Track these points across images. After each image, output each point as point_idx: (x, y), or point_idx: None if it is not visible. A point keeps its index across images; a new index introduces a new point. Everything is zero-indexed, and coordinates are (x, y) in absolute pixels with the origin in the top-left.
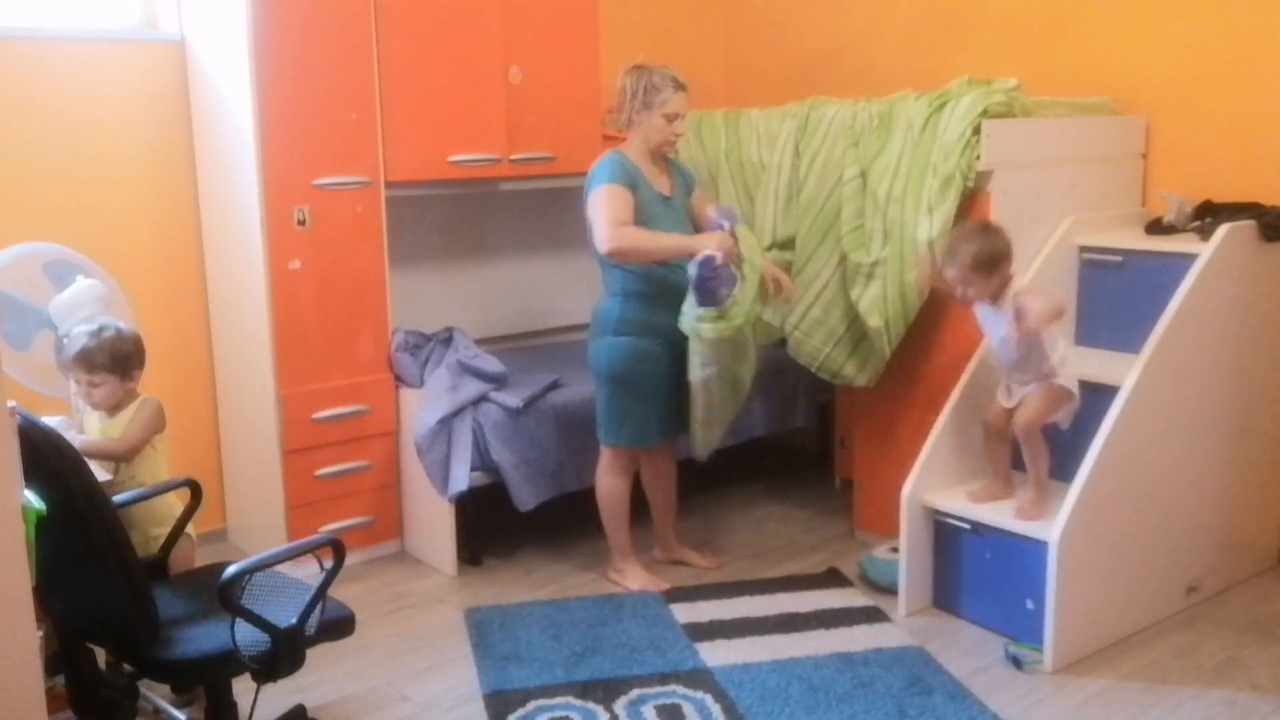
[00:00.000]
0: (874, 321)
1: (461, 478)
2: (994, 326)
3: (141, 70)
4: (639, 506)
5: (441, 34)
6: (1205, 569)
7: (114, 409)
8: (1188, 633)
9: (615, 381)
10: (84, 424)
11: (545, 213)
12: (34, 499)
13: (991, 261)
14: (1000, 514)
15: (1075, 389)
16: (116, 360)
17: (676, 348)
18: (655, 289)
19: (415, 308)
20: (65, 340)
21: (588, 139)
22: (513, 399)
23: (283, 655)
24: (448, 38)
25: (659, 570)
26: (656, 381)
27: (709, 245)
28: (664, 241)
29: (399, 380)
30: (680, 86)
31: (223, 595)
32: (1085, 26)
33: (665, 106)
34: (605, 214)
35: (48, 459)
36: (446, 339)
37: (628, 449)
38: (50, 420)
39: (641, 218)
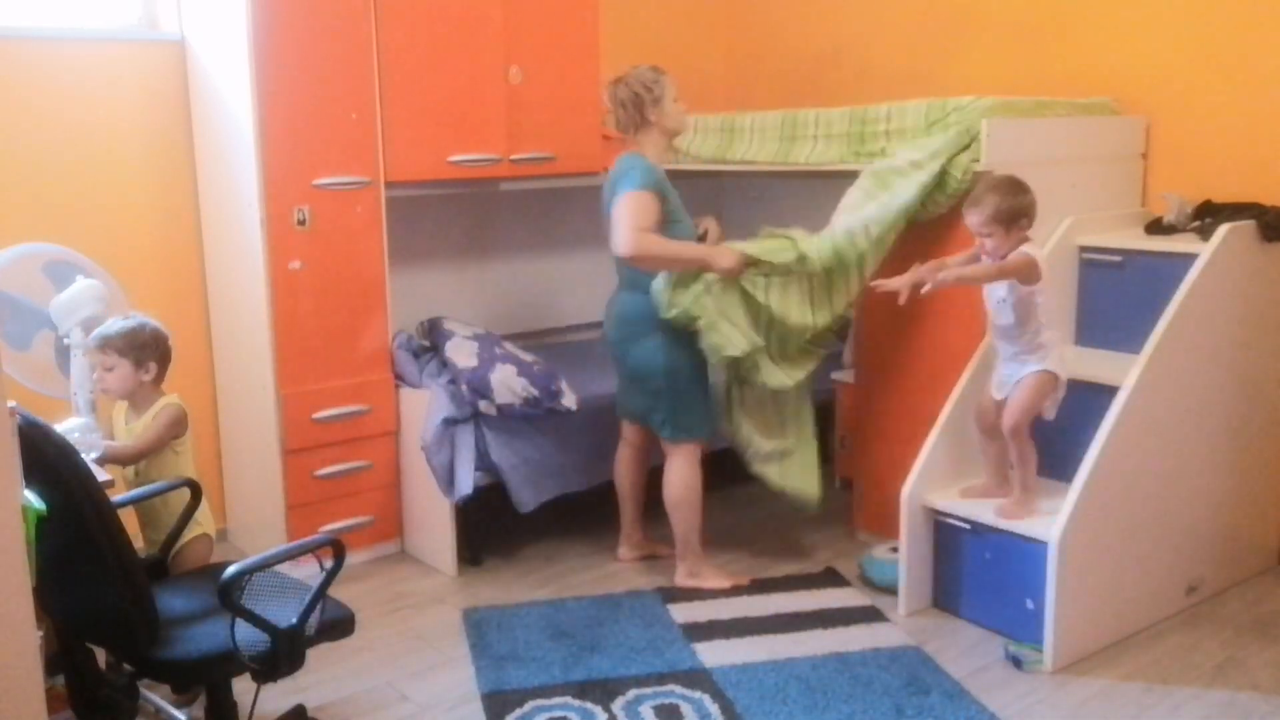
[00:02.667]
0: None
1: (466, 481)
2: (994, 286)
3: (141, 70)
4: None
5: (441, 34)
6: (1205, 569)
7: (137, 406)
8: (1188, 633)
9: (684, 374)
10: (112, 421)
11: (545, 213)
12: (34, 499)
13: (1014, 216)
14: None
15: (1063, 374)
16: (131, 345)
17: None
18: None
19: (415, 308)
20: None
21: (588, 139)
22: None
23: (283, 655)
24: (448, 38)
25: (641, 567)
26: (706, 372)
27: (725, 261)
28: (684, 253)
29: (399, 380)
30: (664, 71)
31: (223, 595)
32: (1085, 26)
33: (672, 89)
34: (631, 218)
35: (48, 459)
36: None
37: (701, 441)
38: (72, 422)
39: (671, 224)
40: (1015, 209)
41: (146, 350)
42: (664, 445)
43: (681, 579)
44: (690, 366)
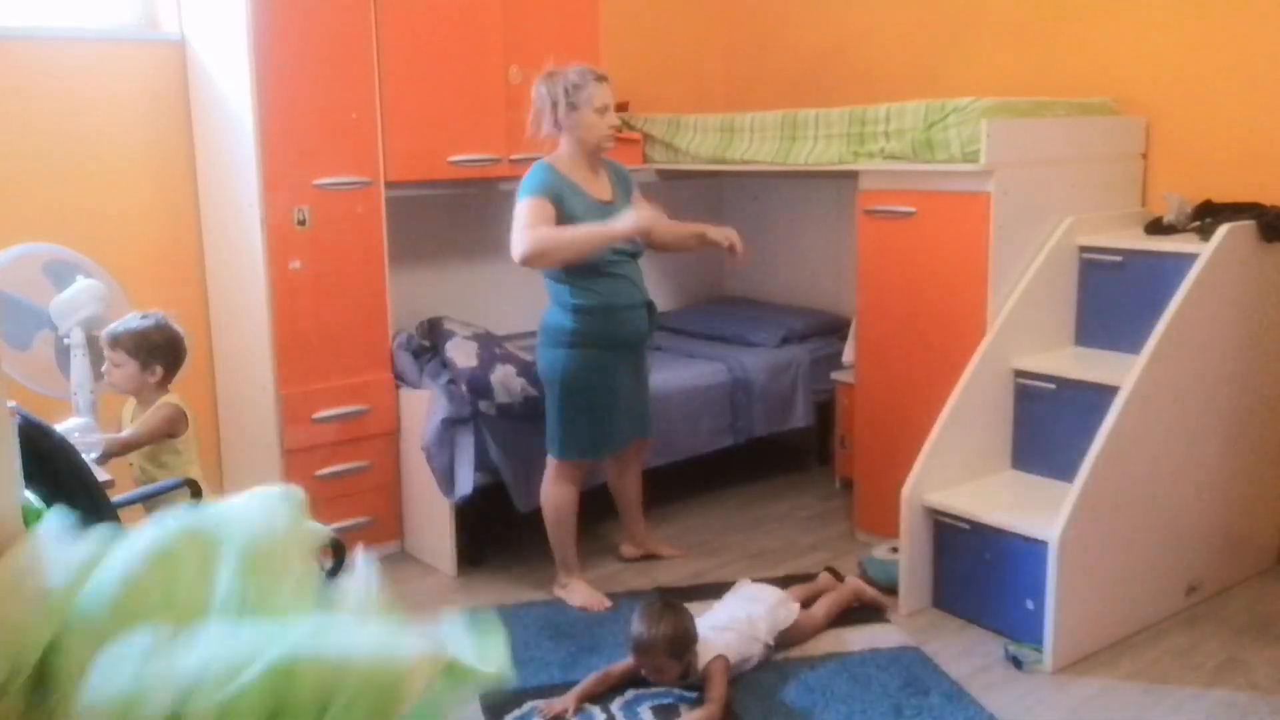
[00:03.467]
0: None
1: (466, 481)
2: None
3: (141, 70)
4: (604, 510)
5: (441, 34)
6: (1205, 569)
7: (144, 404)
8: (1188, 633)
9: (567, 393)
10: (121, 415)
11: None
12: (34, 499)
13: (684, 643)
14: (1000, 514)
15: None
16: (139, 346)
17: (633, 354)
18: (604, 299)
19: (415, 308)
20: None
21: None
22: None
23: None
24: (448, 38)
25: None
26: (613, 391)
27: (625, 223)
28: (578, 234)
29: (399, 380)
30: (601, 78)
31: None
32: (1085, 26)
33: (593, 101)
34: (519, 223)
35: (49, 460)
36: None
37: (576, 461)
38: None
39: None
40: (682, 635)
41: (155, 353)
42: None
43: (554, 589)
44: (588, 386)
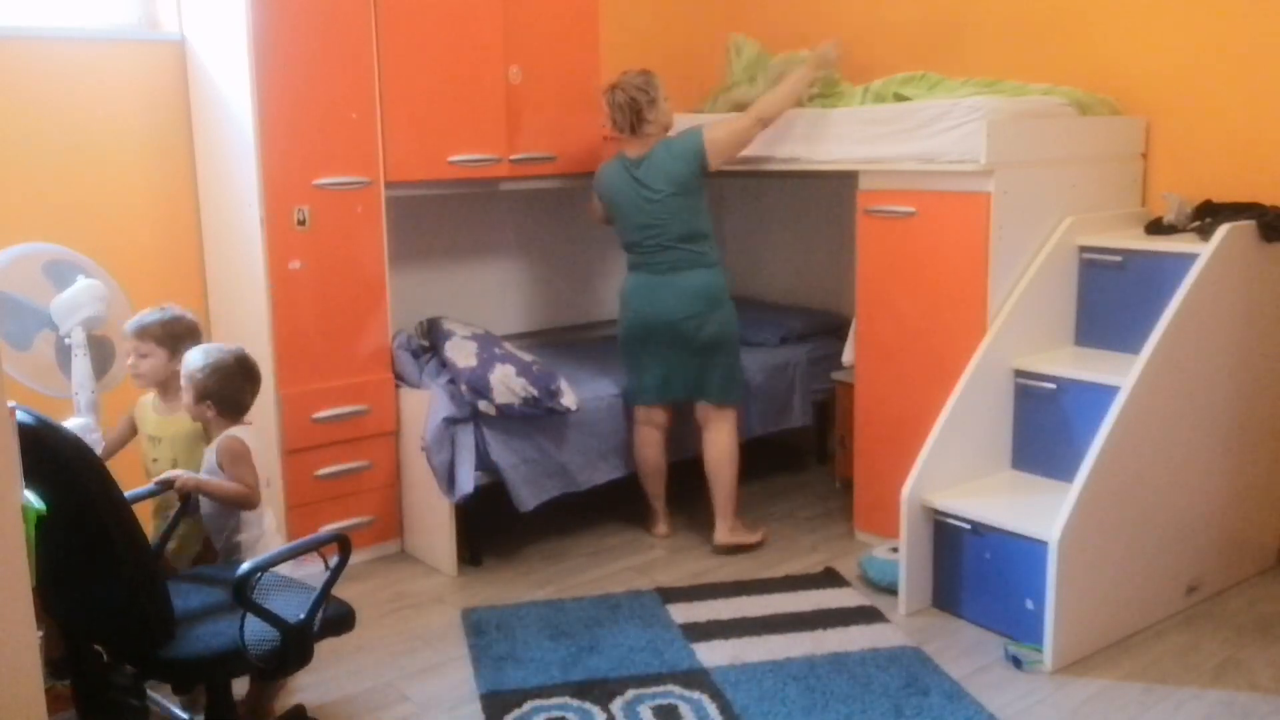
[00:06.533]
0: None
1: (466, 481)
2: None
3: (141, 70)
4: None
5: (441, 34)
6: (1205, 569)
7: (167, 395)
8: (1188, 633)
9: (737, 343)
10: (143, 417)
11: (545, 213)
12: (34, 499)
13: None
14: (1000, 514)
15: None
16: (168, 335)
17: None
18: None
19: (415, 308)
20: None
21: (588, 139)
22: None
23: (292, 651)
24: (448, 38)
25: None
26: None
27: (811, 62)
28: (786, 88)
29: (399, 380)
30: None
31: (238, 592)
32: (1085, 26)
33: (663, 89)
34: (727, 124)
35: (65, 461)
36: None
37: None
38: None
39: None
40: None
41: (182, 341)
42: (711, 413)
43: (725, 536)
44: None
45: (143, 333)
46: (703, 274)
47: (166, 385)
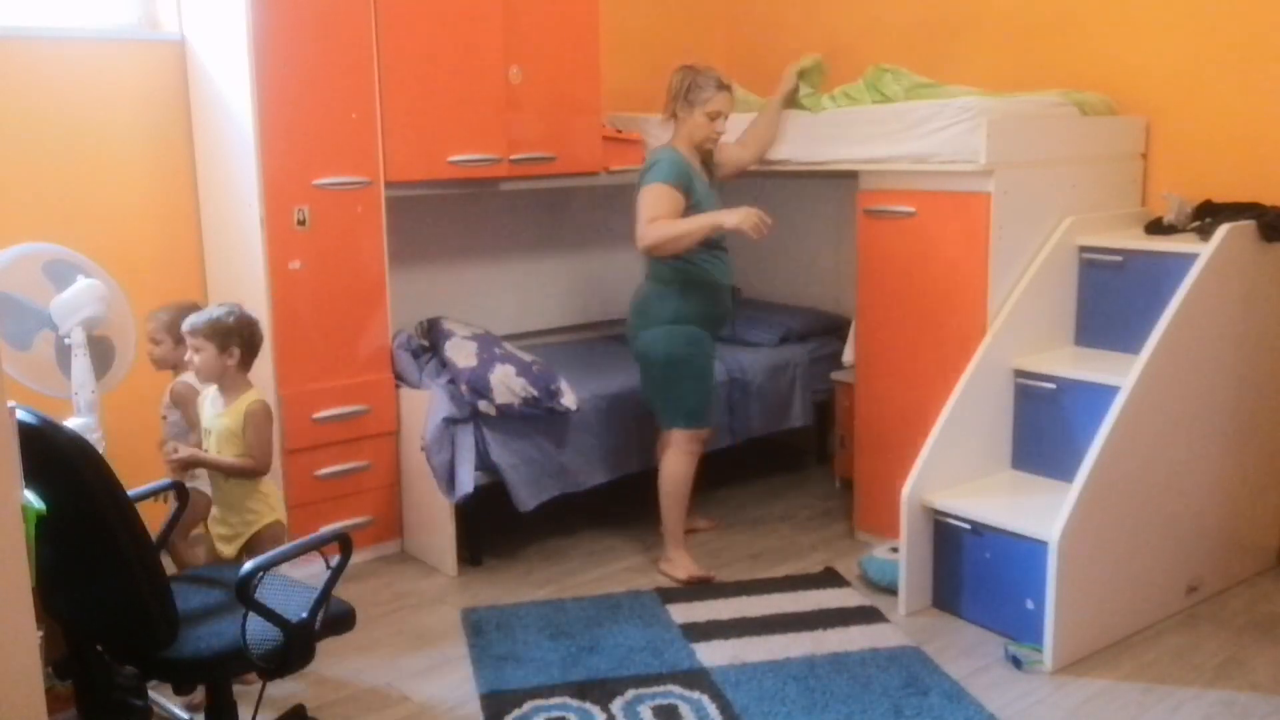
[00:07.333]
0: None
1: (466, 480)
2: None
3: (141, 70)
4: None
5: (441, 34)
6: (1205, 569)
7: (225, 390)
8: (1188, 633)
9: (673, 365)
10: (201, 410)
11: (545, 213)
12: (34, 499)
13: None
14: (1000, 514)
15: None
16: (215, 331)
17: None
18: (696, 279)
19: (415, 308)
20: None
21: (588, 139)
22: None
23: (295, 650)
24: (448, 38)
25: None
26: (708, 366)
27: (733, 218)
28: (690, 225)
29: (399, 380)
30: (723, 87)
31: (240, 591)
32: (1085, 26)
33: (707, 105)
34: (645, 211)
35: (68, 460)
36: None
37: (697, 431)
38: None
39: (698, 212)
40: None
41: (230, 336)
42: (661, 434)
43: (660, 565)
44: (690, 358)
45: (193, 330)
46: (642, 286)
47: (222, 381)
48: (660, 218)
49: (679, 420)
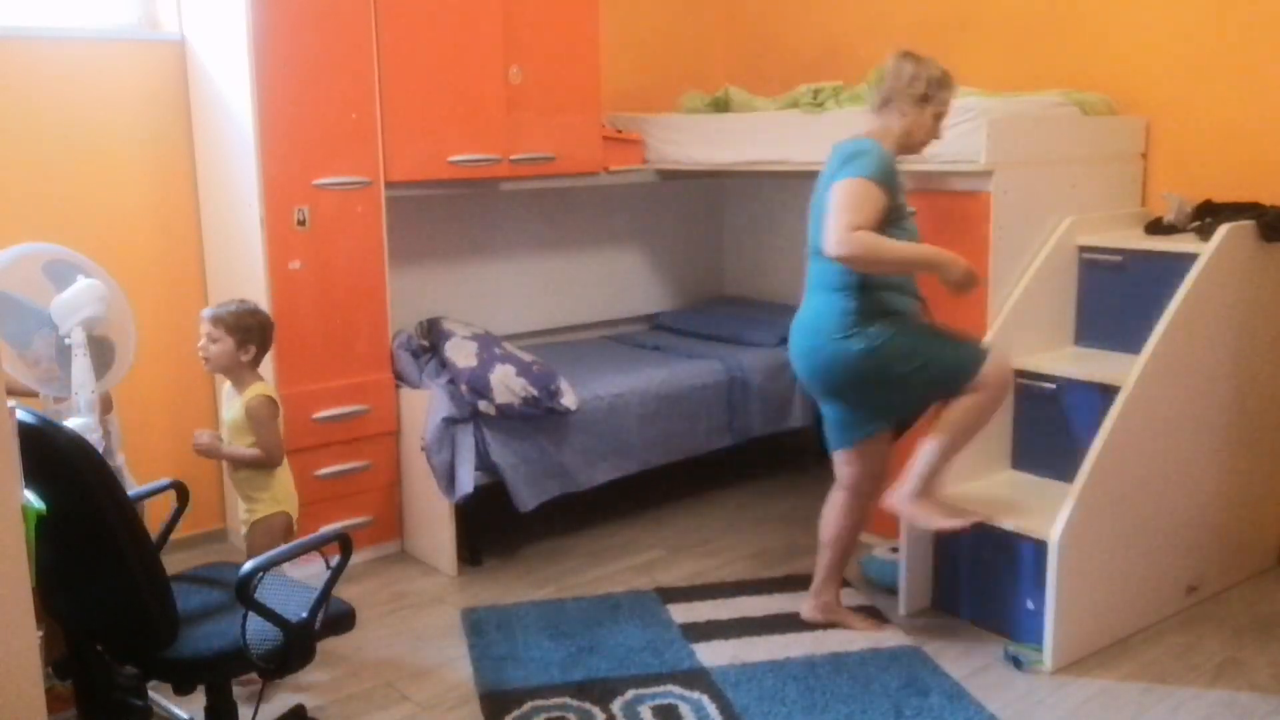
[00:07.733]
0: None
1: (466, 481)
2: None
3: (141, 70)
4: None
5: (441, 34)
6: (1205, 569)
7: (237, 383)
8: (1188, 633)
9: (901, 359)
10: (220, 401)
11: (545, 212)
12: (33, 499)
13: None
14: (1000, 514)
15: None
16: (238, 325)
17: None
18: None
19: (415, 308)
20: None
21: (588, 139)
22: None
23: (295, 650)
24: (448, 38)
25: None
26: (916, 335)
27: (957, 270)
28: (907, 253)
29: (399, 380)
30: (954, 89)
31: (240, 591)
32: (1085, 26)
33: (943, 106)
34: (848, 213)
35: (68, 460)
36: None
37: (990, 358)
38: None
39: (892, 228)
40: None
41: (251, 333)
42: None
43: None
44: (896, 344)
45: (216, 319)
46: (823, 299)
47: (233, 373)
48: (863, 225)
49: (968, 368)
